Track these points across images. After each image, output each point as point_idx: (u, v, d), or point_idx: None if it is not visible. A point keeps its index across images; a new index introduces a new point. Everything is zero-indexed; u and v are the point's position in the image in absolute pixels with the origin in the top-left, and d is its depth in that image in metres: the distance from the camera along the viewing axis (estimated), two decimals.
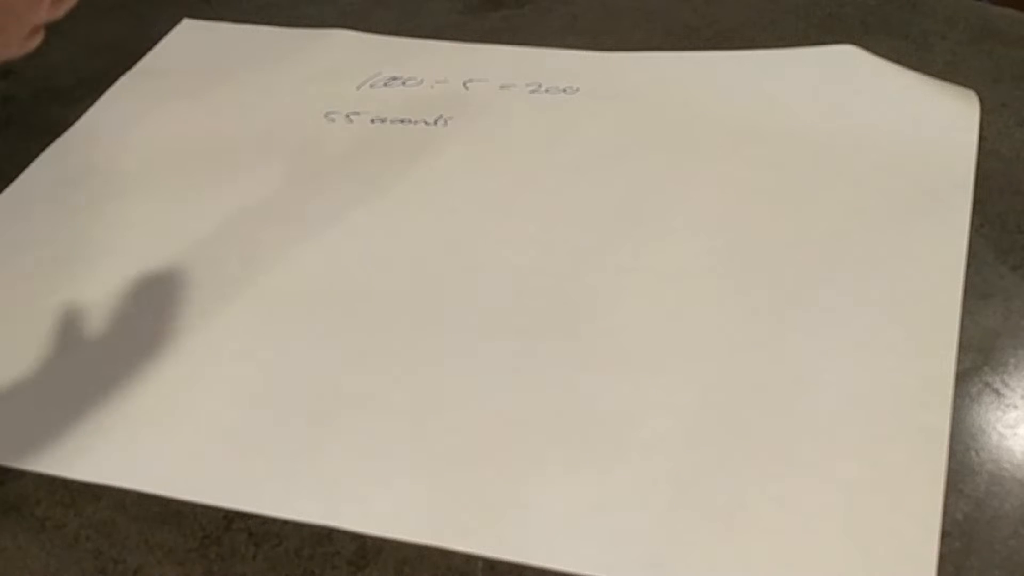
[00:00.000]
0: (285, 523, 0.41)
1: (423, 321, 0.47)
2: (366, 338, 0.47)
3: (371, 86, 0.62)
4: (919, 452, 0.40)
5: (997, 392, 0.43)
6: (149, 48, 0.67)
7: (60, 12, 0.41)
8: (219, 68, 0.65)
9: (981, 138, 0.53)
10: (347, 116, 0.59)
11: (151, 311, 0.49)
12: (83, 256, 0.52)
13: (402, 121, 0.59)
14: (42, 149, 0.59)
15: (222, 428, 0.44)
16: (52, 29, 0.39)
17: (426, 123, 0.58)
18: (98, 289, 0.50)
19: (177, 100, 0.62)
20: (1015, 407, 0.42)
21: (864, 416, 0.41)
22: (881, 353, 0.44)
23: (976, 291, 0.46)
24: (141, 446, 0.44)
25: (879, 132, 0.54)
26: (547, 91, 0.60)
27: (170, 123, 0.61)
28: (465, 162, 0.56)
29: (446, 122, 0.58)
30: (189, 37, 0.68)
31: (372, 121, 0.59)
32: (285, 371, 0.46)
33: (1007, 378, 0.43)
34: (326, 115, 0.60)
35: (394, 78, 0.62)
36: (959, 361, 0.43)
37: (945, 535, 0.38)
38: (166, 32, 0.68)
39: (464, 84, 0.61)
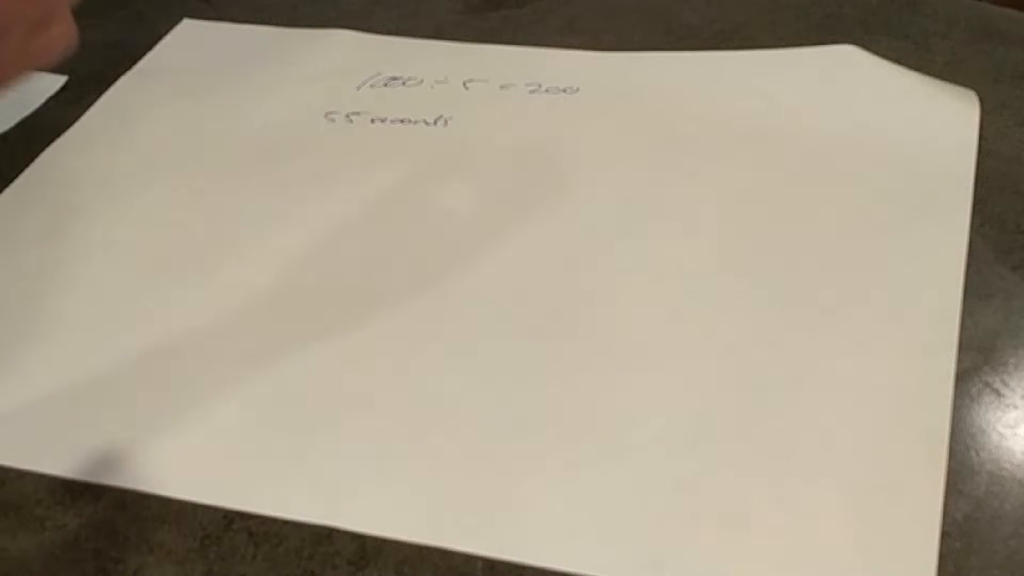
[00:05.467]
0: (285, 523, 0.41)
1: (423, 321, 0.47)
2: (366, 338, 0.47)
3: (371, 86, 0.62)
4: (919, 452, 0.40)
5: (997, 392, 0.43)
6: (149, 48, 0.67)
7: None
8: (219, 68, 0.65)
9: (981, 138, 0.53)
10: (347, 116, 0.59)
11: (151, 311, 0.49)
12: (83, 256, 0.52)
13: (402, 121, 0.59)
14: (42, 149, 0.59)
15: (222, 428, 0.44)
16: None
17: (426, 123, 0.58)
18: (97, 289, 0.51)
19: (177, 100, 0.62)
20: (1015, 407, 0.42)
21: (864, 416, 0.41)
22: (881, 353, 0.44)
23: (976, 291, 0.46)
24: (141, 446, 0.44)
25: (879, 132, 0.54)
26: (547, 91, 0.60)
27: (170, 123, 0.61)
28: (465, 162, 0.56)
29: (446, 122, 0.58)
30: (189, 37, 0.68)
31: (372, 121, 0.59)
32: (285, 371, 0.46)
33: (1007, 378, 0.43)
34: (326, 115, 0.60)
35: (394, 78, 0.62)
36: (959, 361, 0.43)
37: (945, 535, 0.38)
38: (166, 32, 0.68)
39: (464, 84, 0.61)
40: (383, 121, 0.59)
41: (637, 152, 0.55)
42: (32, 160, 0.59)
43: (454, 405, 0.44)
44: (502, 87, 0.60)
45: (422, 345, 0.46)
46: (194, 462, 0.43)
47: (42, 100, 0.63)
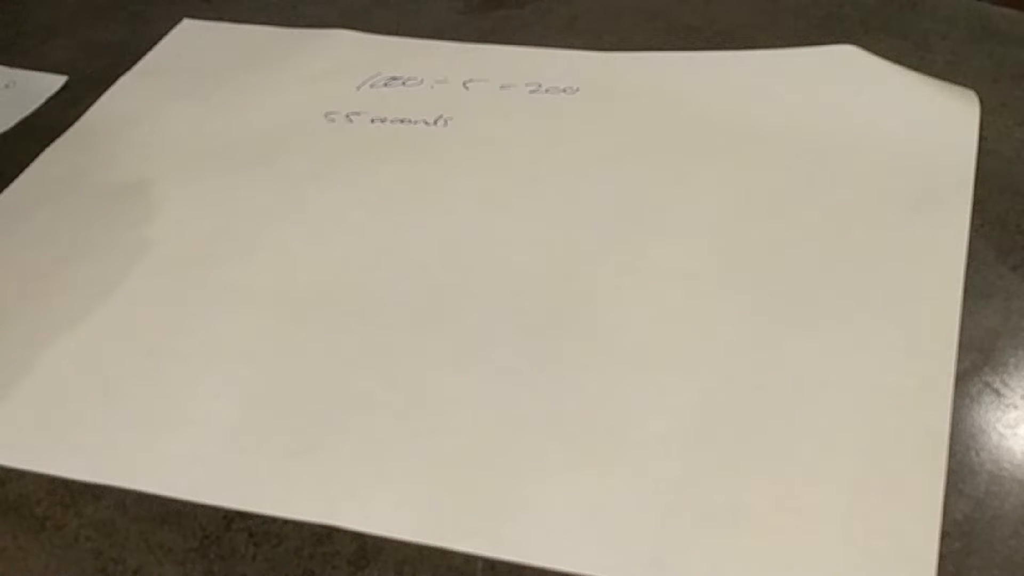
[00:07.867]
0: (285, 523, 0.41)
1: (423, 321, 0.47)
2: (366, 338, 0.47)
3: (371, 86, 0.62)
4: (919, 452, 0.40)
5: (997, 392, 0.43)
6: (149, 48, 0.67)
7: None
8: (219, 68, 0.65)
9: (981, 138, 0.53)
10: (347, 116, 0.59)
11: (151, 311, 0.49)
12: (83, 256, 0.52)
13: (402, 121, 0.59)
14: (42, 149, 0.59)
15: (222, 428, 0.44)
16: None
17: (426, 123, 0.58)
18: (98, 289, 0.51)
19: (177, 100, 0.62)
20: (1015, 407, 0.42)
21: (864, 416, 0.41)
22: (881, 353, 0.44)
23: (976, 291, 0.46)
24: (141, 446, 0.44)
25: (879, 132, 0.54)
26: (547, 91, 0.60)
27: (170, 123, 0.61)
28: (465, 162, 0.56)
29: (446, 122, 0.58)
30: (189, 37, 0.68)
31: (372, 121, 0.59)
32: (285, 371, 0.46)
33: (1007, 378, 0.43)
34: (326, 115, 0.60)
35: (394, 78, 0.62)
36: (959, 361, 0.43)
37: (945, 535, 0.38)
38: (166, 32, 0.68)
39: (464, 84, 0.61)
40: (383, 121, 0.59)
41: (637, 152, 0.55)
42: (32, 160, 0.59)
43: (454, 405, 0.44)
44: (502, 87, 0.60)
45: (422, 345, 0.46)
46: (194, 462, 0.43)
47: (42, 100, 0.63)
